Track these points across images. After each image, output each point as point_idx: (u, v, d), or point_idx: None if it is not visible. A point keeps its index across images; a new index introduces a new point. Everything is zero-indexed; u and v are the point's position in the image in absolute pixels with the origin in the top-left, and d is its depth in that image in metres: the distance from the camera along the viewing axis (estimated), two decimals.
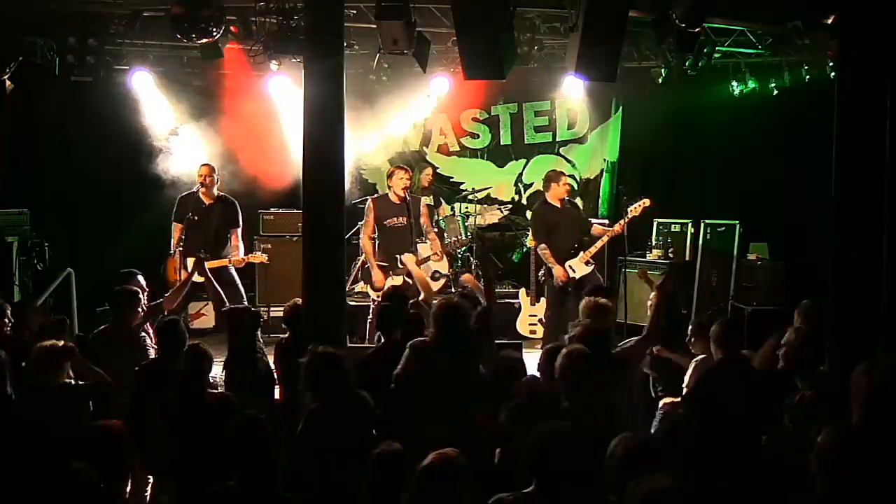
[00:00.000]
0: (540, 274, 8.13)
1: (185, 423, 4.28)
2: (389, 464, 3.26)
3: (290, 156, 8.97)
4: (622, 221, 7.84)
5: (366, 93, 9.35)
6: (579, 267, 7.76)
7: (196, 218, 7.41)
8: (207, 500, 3.43)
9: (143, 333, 5.70)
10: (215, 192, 7.64)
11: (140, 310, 5.79)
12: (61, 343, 4.70)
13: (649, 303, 5.97)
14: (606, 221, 9.26)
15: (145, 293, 6.43)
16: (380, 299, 6.42)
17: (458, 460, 3.03)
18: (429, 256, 7.83)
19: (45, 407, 4.36)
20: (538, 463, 3.19)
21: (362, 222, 8.02)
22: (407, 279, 7.53)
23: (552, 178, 7.96)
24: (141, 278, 6.43)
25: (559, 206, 7.91)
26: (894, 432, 3.19)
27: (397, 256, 7.58)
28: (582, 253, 7.76)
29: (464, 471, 3.02)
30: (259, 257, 7.95)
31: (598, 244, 7.82)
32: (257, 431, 3.54)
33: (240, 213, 7.77)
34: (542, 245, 7.86)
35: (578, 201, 10.77)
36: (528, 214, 10.90)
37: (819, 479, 2.94)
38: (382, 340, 5.43)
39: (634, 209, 7.93)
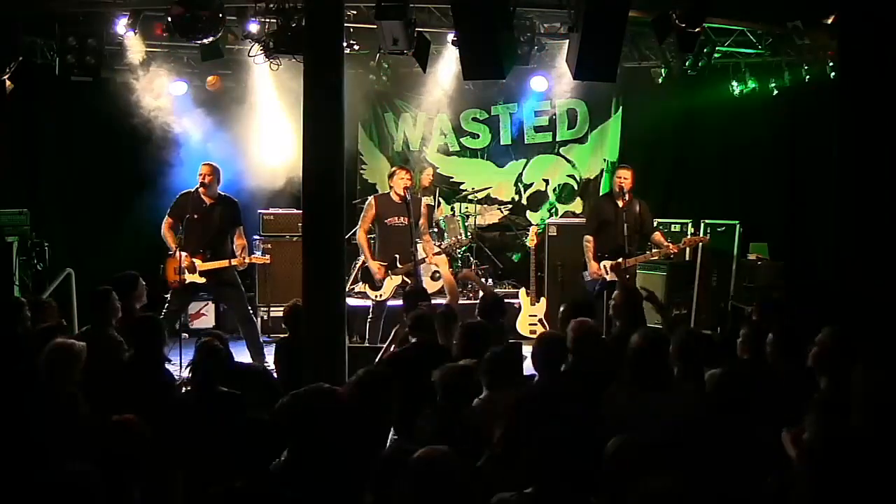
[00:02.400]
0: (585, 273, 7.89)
1: (195, 418, 4.29)
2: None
3: (284, 155, 9.04)
4: (680, 244, 7.87)
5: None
6: (616, 271, 7.63)
7: (196, 217, 7.38)
8: (210, 502, 3.41)
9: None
10: (216, 191, 7.63)
11: (118, 311, 5.78)
12: None
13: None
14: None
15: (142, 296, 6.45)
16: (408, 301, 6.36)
17: (449, 456, 3.01)
18: (423, 259, 7.82)
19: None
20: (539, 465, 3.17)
21: (360, 219, 8.01)
22: (406, 279, 7.53)
23: (614, 172, 7.92)
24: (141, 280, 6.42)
25: (620, 203, 7.69)
26: (892, 431, 3.20)
27: (397, 256, 7.58)
28: (623, 259, 7.57)
29: (455, 466, 2.99)
30: (261, 258, 7.92)
31: (641, 258, 7.75)
32: (264, 433, 3.53)
33: (240, 212, 7.76)
34: (588, 237, 7.77)
35: (579, 201, 10.82)
36: (530, 215, 10.95)
37: (812, 478, 2.93)
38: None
39: (691, 239, 8.09)
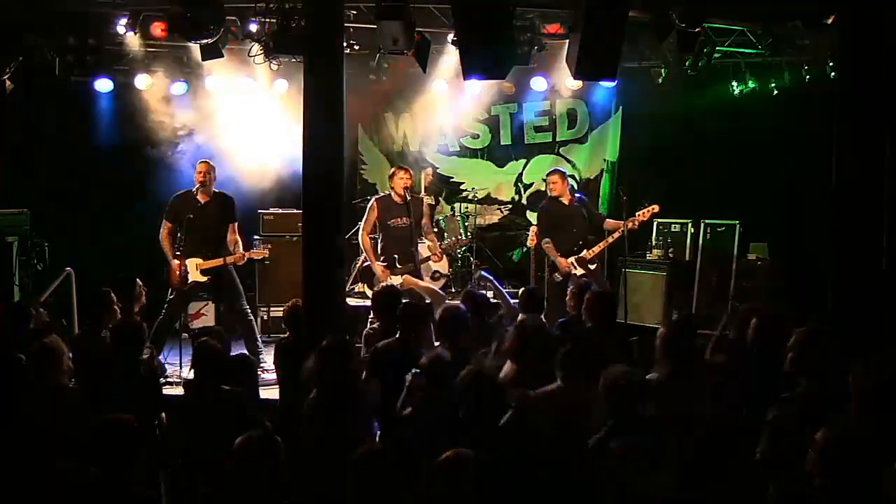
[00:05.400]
0: (556, 275, 8.01)
1: (196, 417, 4.28)
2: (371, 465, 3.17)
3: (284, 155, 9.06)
4: (632, 221, 7.91)
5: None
6: (582, 264, 7.83)
7: (192, 217, 7.37)
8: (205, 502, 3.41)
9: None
10: (212, 189, 7.62)
11: (115, 313, 5.78)
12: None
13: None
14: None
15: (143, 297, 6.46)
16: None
17: (472, 458, 3.03)
18: (428, 257, 7.83)
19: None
20: None
21: (363, 221, 8.02)
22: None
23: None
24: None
25: (566, 202, 7.96)
26: (893, 432, 3.20)
27: (396, 256, 7.58)
28: (586, 251, 7.84)
29: (476, 468, 3.01)
30: (260, 252, 7.91)
31: (602, 245, 7.90)
32: (266, 448, 3.51)
33: (235, 208, 7.75)
34: (546, 239, 7.93)
35: None
36: (529, 215, 10.95)
37: (817, 477, 2.93)
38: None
39: (643, 213, 8.05)
